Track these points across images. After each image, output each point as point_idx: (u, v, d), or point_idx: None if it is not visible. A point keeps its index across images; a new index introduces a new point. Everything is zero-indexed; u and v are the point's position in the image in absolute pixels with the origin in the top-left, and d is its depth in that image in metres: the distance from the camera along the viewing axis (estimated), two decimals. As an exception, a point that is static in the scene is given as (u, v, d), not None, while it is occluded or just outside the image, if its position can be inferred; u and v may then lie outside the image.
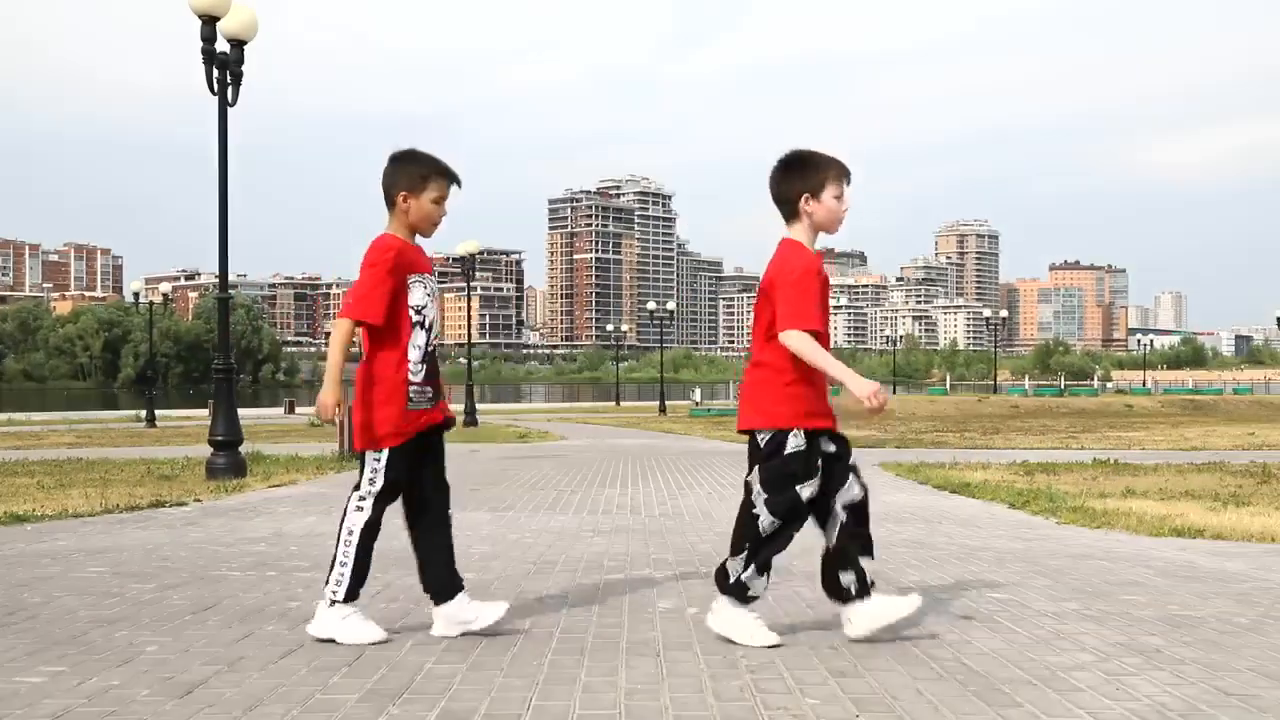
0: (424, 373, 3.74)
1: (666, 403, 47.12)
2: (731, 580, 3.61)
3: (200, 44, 11.58)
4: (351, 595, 3.71)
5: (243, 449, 11.91)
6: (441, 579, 3.82)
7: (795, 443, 3.55)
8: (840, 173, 3.63)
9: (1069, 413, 38.61)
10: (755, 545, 3.59)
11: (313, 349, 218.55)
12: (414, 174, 3.76)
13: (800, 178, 3.62)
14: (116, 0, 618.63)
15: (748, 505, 3.63)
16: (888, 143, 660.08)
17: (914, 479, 11.16)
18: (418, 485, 3.79)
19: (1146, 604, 4.43)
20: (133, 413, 42.51)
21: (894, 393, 62.04)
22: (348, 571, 3.70)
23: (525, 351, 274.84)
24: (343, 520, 3.74)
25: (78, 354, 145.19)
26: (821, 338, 3.53)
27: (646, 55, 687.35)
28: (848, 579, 3.64)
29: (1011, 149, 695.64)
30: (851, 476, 3.64)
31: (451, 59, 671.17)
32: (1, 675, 3.29)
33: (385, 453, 3.69)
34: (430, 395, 3.75)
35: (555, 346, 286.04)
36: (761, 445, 3.60)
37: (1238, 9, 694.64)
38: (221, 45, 11.80)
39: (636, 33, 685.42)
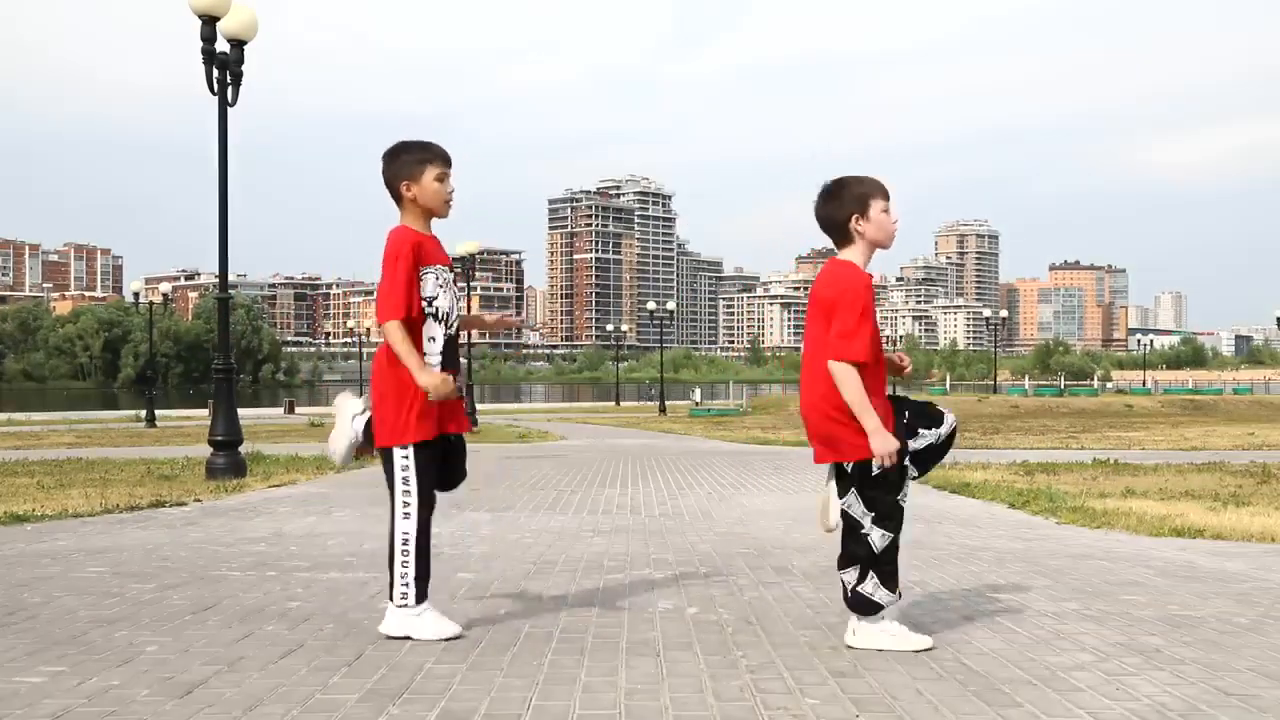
0: (441, 363, 3.76)
1: (666, 403, 47.16)
2: (870, 604, 3.61)
3: (200, 44, 11.58)
4: (421, 597, 3.72)
5: (243, 449, 11.90)
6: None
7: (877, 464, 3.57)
8: (881, 189, 3.69)
9: (1069, 413, 38.61)
10: (874, 563, 3.59)
11: (312, 349, 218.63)
12: (409, 161, 3.80)
13: (846, 201, 3.66)
14: (116, 0, 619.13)
15: (855, 528, 3.60)
16: (888, 143, 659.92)
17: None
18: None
19: (1146, 604, 4.43)
20: (133, 413, 42.52)
21: (894, 393, 61.96)
22: (411, 576, 3.71)
23: (525, 351, 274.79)
24: (392, 526, 3.72)
25: (78, 354, 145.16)
26: (864, 369, 3.54)
27: (646, 55, 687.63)
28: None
29: (1011, 149, 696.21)
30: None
31: (451, 59, 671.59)
32: (1, 675, 3.29)
33: (410, 449, 3.70)
34: (456, 389, 3.78)
35: (555, 346, 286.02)
36: (850, 472, 3.61)
37: (1238, 9, 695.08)
38: (221, 45, 11.80)
39: (636, 33, 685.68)
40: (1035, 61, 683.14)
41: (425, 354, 3.73)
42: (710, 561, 5.57)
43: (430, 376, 3.64)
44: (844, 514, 3.64)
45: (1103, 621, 4.07)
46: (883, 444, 3.47)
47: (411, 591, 3.70)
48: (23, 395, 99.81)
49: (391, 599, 3.74)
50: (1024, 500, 8.71)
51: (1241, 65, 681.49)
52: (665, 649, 3.61)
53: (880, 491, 3.57)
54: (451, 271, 3.88)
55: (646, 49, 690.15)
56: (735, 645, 3.66)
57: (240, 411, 12.58)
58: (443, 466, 3.81)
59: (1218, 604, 4.44)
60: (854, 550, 3.61)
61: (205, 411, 33.12)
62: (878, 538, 3.58)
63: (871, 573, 3.59)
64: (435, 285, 3.76)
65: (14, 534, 6.84)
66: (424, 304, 3.73)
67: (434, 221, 3.88)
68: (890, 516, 3.59)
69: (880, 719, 2.86)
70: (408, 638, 3.70)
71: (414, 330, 3.71)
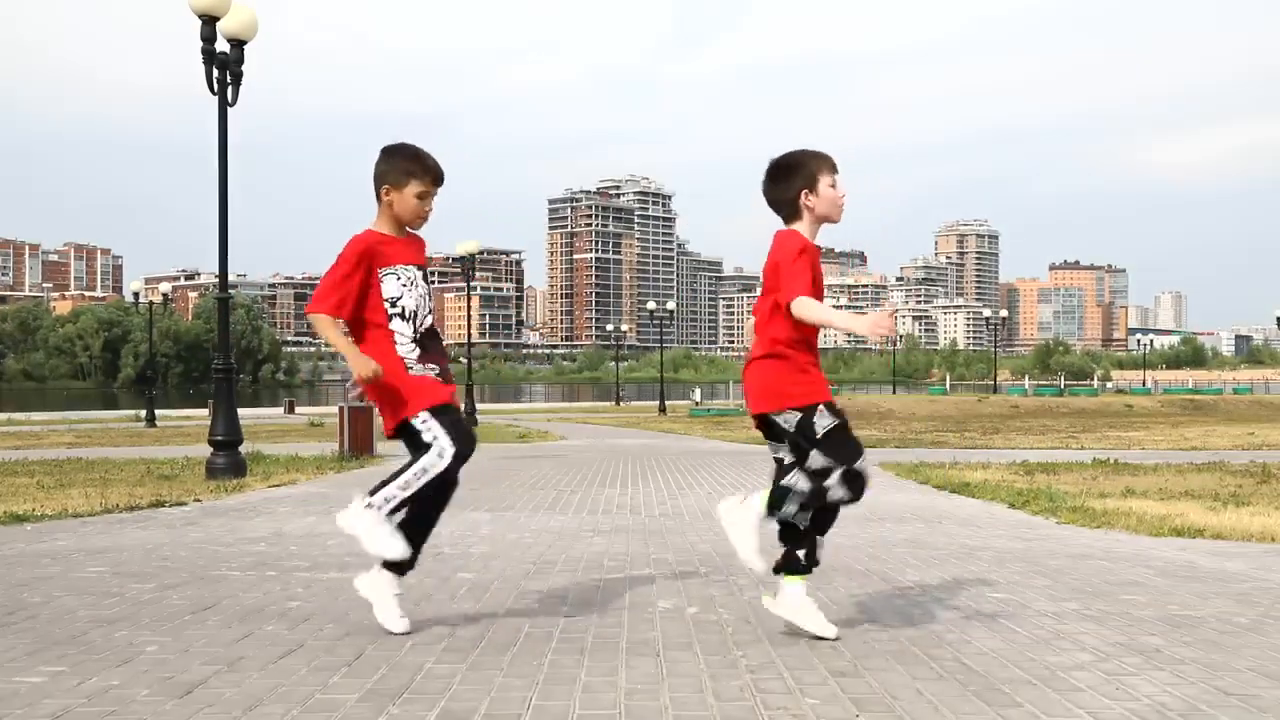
0: (418, 354, 3.80)
1: (666, 403, 47.15)
2: (781, 521, 3.60)
3: (200, 44, 11.58)
4: (394, 514, 3.72)
5: (243, 449, 11.91)
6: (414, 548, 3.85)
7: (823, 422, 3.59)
8: (828, 163, 3.72)
9: (1069, 413, 38.61)
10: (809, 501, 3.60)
11: (312, 349, 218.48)
12: (398, 168, 3.83)
13: (794, 177, 3.70)
14: (116, 0, 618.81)
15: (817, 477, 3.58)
16: (888, 143, 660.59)
17: (914, 479, 11.16)
18: None
19: (1146, 604, 4.43)
20: (133, 412, 42.52)
21: (894, 393, 62.04)
22: (404, 496, 3.70)
23: (525, 351, 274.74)
24: (414, 460, 3.72)
25: (78, 354, 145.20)
26: (805, 332, 3.63)
27: (646, 55, 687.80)
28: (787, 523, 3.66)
29: (1011, 149, 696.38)
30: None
31: (451, 59, 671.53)
32: (1, 675, 3.29)
33: (424, 413, 3.72)
34: (437, 372, 3.81)
35: (555, 346, 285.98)
36: (791, 427, 3.61)
37: (1238, 9, 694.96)
38: (221, 45, 11.81)
39: (636, 33, 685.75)
40: (1035, 61, 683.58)
41: (396, 345, 3.76)
42: (710, 561, 5.57)
43: (361, 361, 3.67)
44: (808, 472, 3.59)
45: (1103, 621, 4.06)
46: (869, 322, 3.48)
47: (393, 505, 3.70)
48: (23, 395, 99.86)
49: (370, 495, 3.71)
50: (1024, 500, 8.71)
51: (1241, 65, 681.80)
52: (665, 649, 3.61)
53: (837, 442, 3.57)
54: (421, 269, 3.88)
55: (646, 49, 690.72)
56: (735, 645, 3.66)
57: (240, 411, 12.59)
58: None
59: (1218, 604, 4.44)
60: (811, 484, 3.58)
61: (205, 411, 33.10)
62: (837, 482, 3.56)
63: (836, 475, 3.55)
64: (398, 285, 3.80)
65: (14, 534, 6.84)
66: (386, 304, 3.78)
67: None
68: (854, 454, 3.58)
69: (880, 719, 2.86)
70: (355, 538, 3.70)
71: (380, 328, 3.76)
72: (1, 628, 3.97)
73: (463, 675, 3.27)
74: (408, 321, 3.80)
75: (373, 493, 3.73)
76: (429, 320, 3.88)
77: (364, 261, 3.76)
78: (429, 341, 3.85)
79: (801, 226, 3.70)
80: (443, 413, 3.76)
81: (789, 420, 3.62)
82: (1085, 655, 3.53)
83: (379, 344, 3.77)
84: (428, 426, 3.74)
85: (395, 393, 3.74)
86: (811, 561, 3.69)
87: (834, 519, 3.74)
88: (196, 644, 3.70)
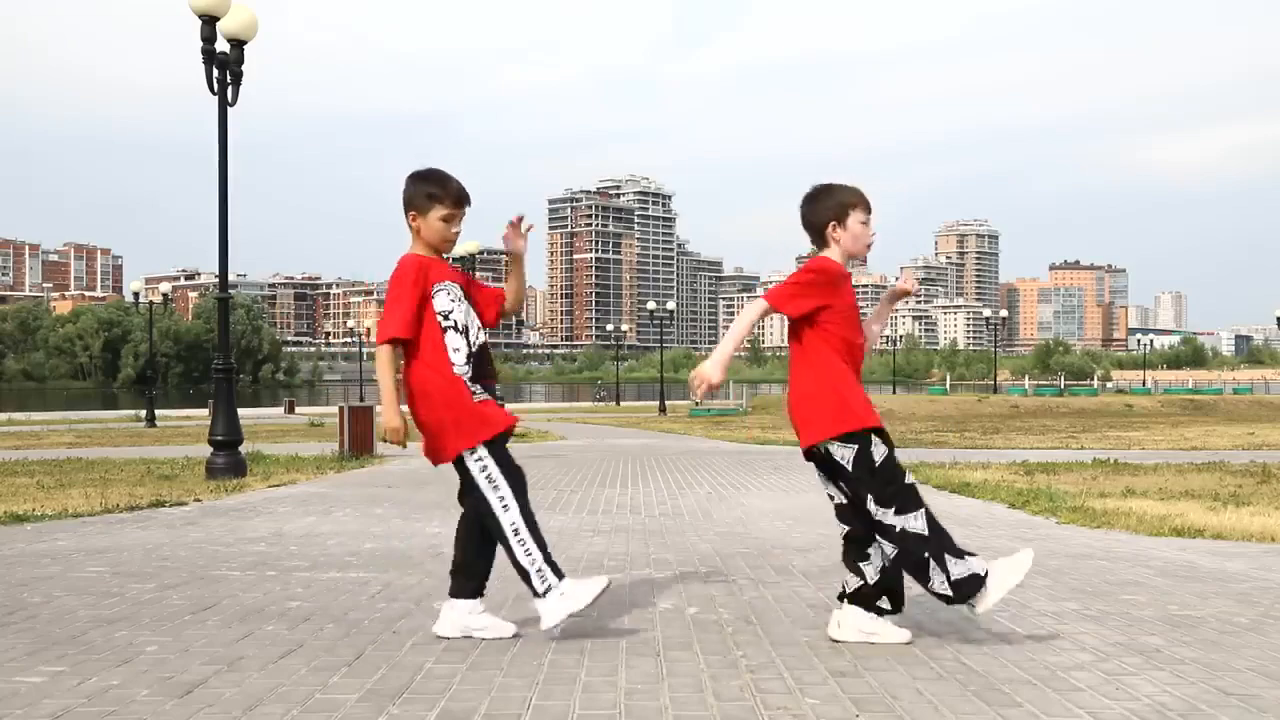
0: (472, 373, 3.76)
1: (666, 402, 47.15)
2: (974, 579, 3.56)
3: (200, 44, 11.58)
4: (559, 573, 3.70)
5: (243, 449, 11.90)
6: (476, 572, 3.81)
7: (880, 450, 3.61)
8: (863, 201, 3.77)
9: (1069, 413, 38.62)
10: (934, 545, 3.56)
11: (312, 349, 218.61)
12: (421, 192, 3.81)
13: (827, 207, 3.75)
14: (116, 0, 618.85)
15: (890, 531, 3.57)
16: (888, 143, 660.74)
17: (914, 479, 11.14)
18: None
19: (1146, 604, 4.43)
20: (133, 412, 42.51)
21: (894, 393, 62.05)
22: (540, 560, 3.68)
23: (525, 351, 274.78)
24: (498, 525, 3.68)
25: (78, 354, 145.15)
26: (855, 348, 3.69)
27: (646, 55, 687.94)
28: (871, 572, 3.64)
29: (1011, 149, 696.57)
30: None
31: (451, 59, 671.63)
32: (1, 675, 3.29)
33: (480, 448, 3.70)
34: (491, 393, 3.80)
35: (555, 346, 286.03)
36: (852, 471, 3.61)
37: (1238, 9, 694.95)
38: (221, 45, 11.80)
39: (636, 33, 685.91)
40: (1035, 61, 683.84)
41: (453, 365, 3.72)
42: (710, 561, 5.57)
43: (395, 417, 3.67)
44: (876, 524, 3.57)
45: (1103, 621, 4.06)
46: (696, 373, 3.56)
47: (549, 571, 3.68)
48: (23, 395, 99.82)
49: (535, 592, 3.68)
50: (1024, 500, 8.70)
51: (1241, 65, 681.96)
52: (665, 649, 3.61)
53: (885, 480, 3.57)
54: (462, 289, 3.87)
55: (646, 49, 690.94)
56: (735, 645, 3.66)
57: (240, 411, 12.58)
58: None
59: (1218, 604, 4.44)
60: (912, 554, 3.55)
61: (205, 411, 33.10)
62: (912, 524, 3.55)
63: (945, 555, 3.54)
64: (448, 300, 3.77)
65: (14, 534, 6.84)
66: (440, 319, 3.74)
67: None
68: (909, 500, 3.57)
69: (880, 719, 2.86)
70: (571, 617, 3.67)
71: (436, 345, 3.72)
72: (1, 628, 3.98)
73: (463, 675, 3.27)
74: (461, 335, 3.77)
75: (526, 580, 3.68)
76: (482, 337, 3.85)
77: (421, 277, 3.73)
78: (482, 359, 3.83)
79: (830, 256, 3.74)
80: (501, 446, 3.73)
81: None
82: (1085, 655, 3.53)
83: (436, 362, 3.71)
84: (484, 467, 3.69)
85: (454, 422, 3.68)
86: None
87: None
88: (196, 644, 3.70)
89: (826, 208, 3.74)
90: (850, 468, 3.59)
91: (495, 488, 3.69)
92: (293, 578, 5.08)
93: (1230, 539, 6.59)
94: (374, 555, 5.74)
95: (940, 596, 3.57)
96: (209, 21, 11.56)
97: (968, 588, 3.54)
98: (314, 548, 6.11)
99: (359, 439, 15.45)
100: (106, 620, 4.10)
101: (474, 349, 3.79)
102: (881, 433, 3.63)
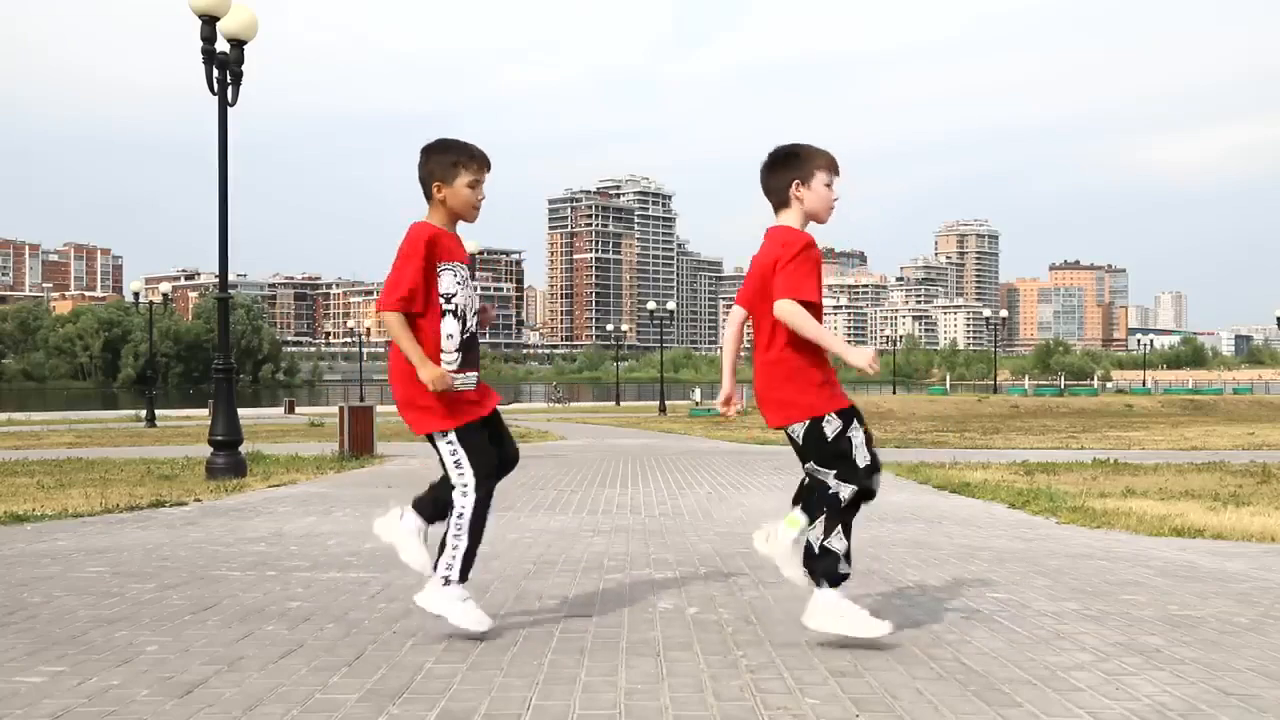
0: (460, 361, 3.72)
1: (666, 402, 47.17)
2: (830, 555, 3.56)
3: (200, 44, 11.58)
4: (463, 577, 3.72)
5: (243, 449, 11.90)
6: (438, 510, 3.82)
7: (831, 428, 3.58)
8: (829, 163, 3.71)
9: (1069, 413, 38.62)
10: (839, 513, 3.59)
11: (312, 349, 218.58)
12: (444, 162, 3.76)
13: (791, 166, 3.69)
14: (116, 0, 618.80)
15: (824, 488, 3.60)
16: (888, 143, 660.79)
17: (914, 479, 11.15)
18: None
19: (1146, 604, 4.43)
20: (133, 412, 42.51)
21: (894, 393, 62.00)
22: (460, 553, 3.70)
23: (525, 351, 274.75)
24: (452, 505, 3.72)
25: (78, 354, 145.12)
26: (815, 309, 3.59)
27: (646, 55, 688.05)
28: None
29: (1011, 149, 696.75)
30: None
31: (451, 59, 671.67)
32: (1, 675, 3.29)
33: (452, 433, 3.70)
34: (473, 381, 3.77)
35: (555, 346, 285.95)
36: (799, 439, 3.62)
37: (1238, 9, 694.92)
38: (221, 45, 11.80)
39: (636, 33, 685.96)
40: (1035, 61, 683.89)
41: (442, 350, 3.69)
42: (710, 561, 5.57)
43: (430, 370, 3.61)
44: (810, 476, 3.63)
45: (1103, 621, 4.06)
46: (860, 355, 3.49)
47: (456, 568, 3.70)
48: (23, 395, 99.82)
49: (436, 571, 3.72)
50: (1024, 500, 8.70)
51: (1241, 65, 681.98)
52: (665, 649, 3.61)
53: (834, 454, 3.57)
54: (469, 269, 3.84)
55: (646, 49, 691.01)
56: (735, 645, 3.66)
57: (240, 411, 12.58)
58: (491, 439, 3.80)
59: (1218, 604, 4.44)
60: (825, 500, 3.57)
61: (205, 411, 33.11)
62: (844, 490, 3.57)
63: (843, 527, 3.57)
64: (453, 282, 3.71)
65: (14, 534, 6.83)
66: (441, 300, 3.70)
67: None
68: (851, 470, 3.57)
69: (880, 719, 2.86)
70: (441, 618, 3.70)
71: (430, 327, 3.68)
72: (1, 628, 3.97)
73: (463, 675, 3.27)
74: (458, 320, 3.72)
75: (438, 556, 3.72)
76: (474, 323, 3.81)
77: (430, 250, 3.67)
78: (472, 346, 3.80)
79: (789, 218, 3.68)
80: (474, 433, 3.72)
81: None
82: (1085, 655, 3.53)
83: (425, 344, 3.66)
84: (453, 451, 3.70)
85: (433, 400, 3.67)
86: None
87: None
88: (196, 644, 3.70)
89: (793, 167, 3.67)
90: (801, 441, 3.62)
91: (460, 474, 3.71)
92: (293, 578, 5.08)
93: (1230, 539, 6.59)
94: (374, 555, 5.73)
95: (806, 548, 3.58)
96: (209, 21, 11.56)
97: (827, 564, 3.56)
98: (314, 548, 6.11)
99: (359, 439, 15.44)
100: (106, 620, 4.10)
101: (465, 335, 3.75)
102: (845, 413, 3.60)
